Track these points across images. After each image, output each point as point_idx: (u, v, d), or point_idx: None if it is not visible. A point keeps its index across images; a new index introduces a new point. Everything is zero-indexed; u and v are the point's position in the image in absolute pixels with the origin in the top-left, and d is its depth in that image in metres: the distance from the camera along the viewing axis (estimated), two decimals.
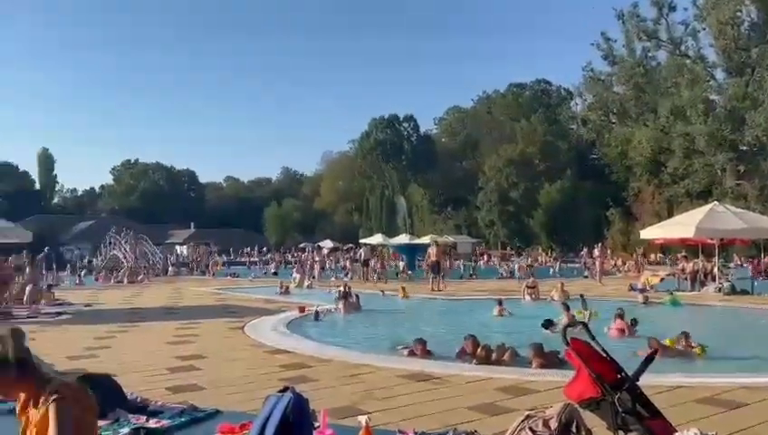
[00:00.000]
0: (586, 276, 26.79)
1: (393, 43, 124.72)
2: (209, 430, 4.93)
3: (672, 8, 41.25)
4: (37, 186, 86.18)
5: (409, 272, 28.77)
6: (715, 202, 22.23)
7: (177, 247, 53.33)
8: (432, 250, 22.26)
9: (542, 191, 51.69)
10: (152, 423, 5.10)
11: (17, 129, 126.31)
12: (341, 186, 75.30)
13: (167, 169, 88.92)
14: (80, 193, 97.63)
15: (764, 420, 5.16)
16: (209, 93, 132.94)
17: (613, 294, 18.32)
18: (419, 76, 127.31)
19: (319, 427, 4.47)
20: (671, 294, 16.90)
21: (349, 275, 27.68)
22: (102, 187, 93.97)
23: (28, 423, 2.63)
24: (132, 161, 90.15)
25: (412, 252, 33.52)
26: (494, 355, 8.22)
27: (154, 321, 13.03)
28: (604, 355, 3.82)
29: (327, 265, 33.68)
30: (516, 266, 26.96)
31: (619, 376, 3.74)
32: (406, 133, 69.92)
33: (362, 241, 45.01)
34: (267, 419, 3.71)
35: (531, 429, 3.77)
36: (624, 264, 32.63)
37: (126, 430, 4.90)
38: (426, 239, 35.09)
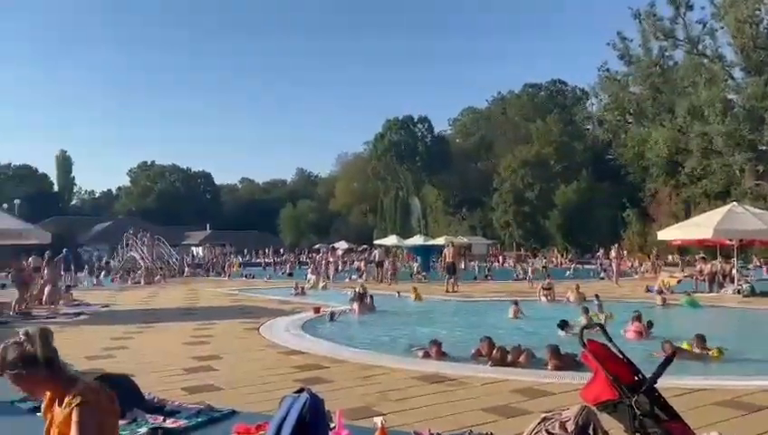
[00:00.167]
0: (602, 278, 26.60)
1: (407, 43, 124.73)
2: (226, 431, 4.97)
3: (689, 7, 40.79)
4: (56, 188, 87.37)
5: (424, 273, 28.72)
6: (734, 203, 21.94)
7: (193, 249, 53.78)
8: (447, 251, 22.23)
9: (558, 192, 51.40)
10: (169, 423, 5.14)
11: (36, 131, 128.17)
12: (356, 187, 75.43)
13: (183, 171, 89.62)
14: (97, 195, 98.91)
15: None
16: (224, 95, 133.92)
17: (630, 296, 18.17)
18: (433, 77, 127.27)
19: (334, 427, 4.48)
20: (689, 295, 16.71)
21: (363, 277, 27.71)
22: (119, 188, 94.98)
23: (52, 422, 2.67)
24: (149, 163, 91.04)
25: (426, 253, 33.49)
26: (509, 357, 8.18)
27: (171, 322, 13.13)
28: (621, 357, 3.79)
29: (341, 267, 33.73)
30: (529, 269, 26.78)
31: (636, 378, 3.71)
32: (420, 134, 69.86)
33: (377, 242, 45.10)
34: (283, 419, 3.73)
35: (547, 431, 3.75)
36: (641, 265, 32.33)
37: (144, 429, 4.96)
38: (440, 240, 35.07)
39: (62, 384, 2.64)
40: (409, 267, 32.60)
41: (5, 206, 43.11)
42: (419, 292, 18.26)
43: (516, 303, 14.15)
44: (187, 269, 35.97)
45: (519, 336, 10.03)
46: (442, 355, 8.71)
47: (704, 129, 37.48)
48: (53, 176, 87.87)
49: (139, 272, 30.67)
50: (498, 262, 40.63)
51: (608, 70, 45.90)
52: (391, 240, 42.75)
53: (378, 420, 4.67)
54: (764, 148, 37.51)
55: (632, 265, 32.76)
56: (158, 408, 5.54)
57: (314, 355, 8.61)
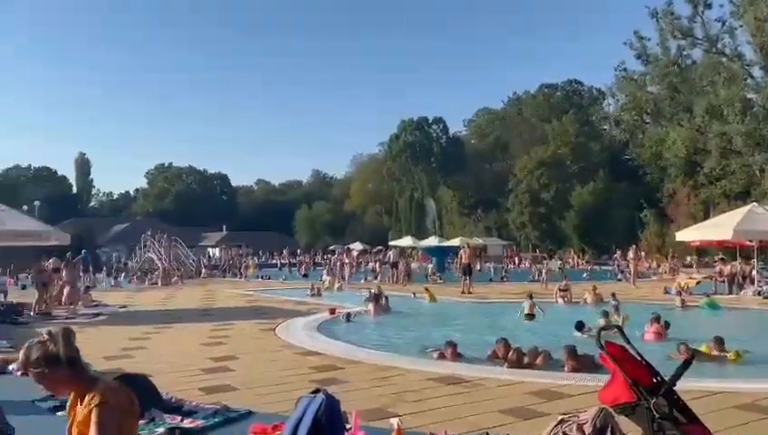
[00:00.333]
0: (620, 279, 26.37)
1: (422, 43, 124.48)
2: (242, 431, 5.00)
3: (708, 5, 40.28)
4: (74, 189, 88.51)
5: (439, 274, 28.66)
6: (754, 203, 21.64)
7: (210, 250, 54.15)
8: (463, 252, 22.18)
9: (575, 193, 51.04)
10: (187, 423, 5.19)
11: (56, 134, 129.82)
12: (371, 188, 75.50)
13: (199, 173, 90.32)
14: (115, 196, 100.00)
15: None
16: (241, 97, 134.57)
17: (648, 298, 18.00)
18: (448, 78, 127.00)
19: (350, 428, 4.49)
20: (708, 297, 16.53)
21: (378, 278, 27.72)
22: (137, 190, 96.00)
23: (74, 421, 2.71)
24: (166, 165, 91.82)
25: (442, 254, 33.42)
26: (526, 359, 8.14)
27: (188, 322, 13.23)
28: (639, 359, 3.76)
29: (356, 268, 33.75)
30: (543, 270, 26.60)
31: (655, 381, 3.68)
32: (435, 135, 69.74)
33: (391, 243, 45.08)
34: (299, 420, 3.75)
35: (564, 433, 3.73)
36: (659, 266, 32.02)
37: (161, 429, 5.00)
38: (455, 241, 34.99)
39: (84, 384, 2.69)
40: (425, 268, 32.54)
41: (26, 207, 43.74)
42: (433, 292, 18.25)
43: (531, 296, 14.08)
44: (203, 270, 36.22)
45: (536, 338, 9.98)
46: (457, 356, 8.69)
47: (723, 128, 37.02)
48: (72, 178, 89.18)
49: (157, 273, 30.94)
50: (514, 263, 40.43)
51: (625, 69, 45.45)
52: (406, 241, 42.72)
53: (394, 422, 4.67)
54: None
55: (650, 267, 32.45)
56: (176, 408, 5.59)
57: (330, 356, 8.64)
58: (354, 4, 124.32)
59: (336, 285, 23.56)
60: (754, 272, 20.41)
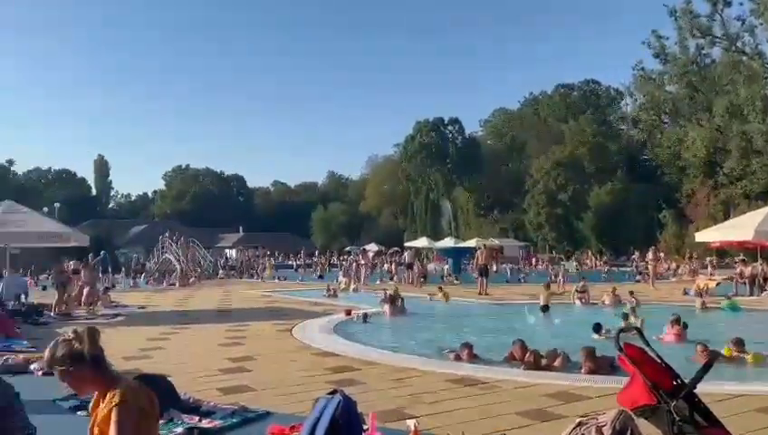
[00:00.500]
0: (638, 281, 26.11)
1: (437, 44, 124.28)
2: (260, 431, 5.02)
3: (727, 3, 39.84)
4: (94, 191, 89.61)
5: (455, 275, 28.59)
6: None
7: (227, 251, 54.47)
8: (480, 254, 22.11)
9: (592, 193, 50.67)
10: (205, 423, 5.22)
11: (75, 137, 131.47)
12: (386, 189, 75.51)
13: (216, 175, 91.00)
14: (133, 198, 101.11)
15: None
16: (258, 99, 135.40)
17: (667, 299, 17.81)
18: (464, 78, 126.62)
19: (368, 430, 4.49)
20: (729, 299, 16.30)
21: (394, 279, 27.73)
22: (155, 192, 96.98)
23: (95, 420, 2.74)
24: (183, 167, 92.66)
25: (457, 255, 33.32)
26: (544, 361, 8.08)
27: (205, 323, 13.32)
28: (659, 361, 3.72)
29: (371, 269, 33.75)
30: (560, 271, 26.35)
31: (675, 383, 3.63)
32: (451, 136, 69.58)
33: (407, 244, 45.06)
34: (317, 421, 3.76)
35: None
36: (678, 268, 31.66)
37: (180, 429, 5.04)
38: (471, 243, 34.88)
39: (106, 382, 2.73)
40: (441, 269, 32.47)
41: (46, 209, 44.32)
42: (447, 292, 18.23)
43: (549, 285, 14.01)
44: (221, 271, 36.48)
45: (553, 339, 9.92)
46: (474, 358, 8.66)
47: (743, 127, 36.60)
48: (91, 180, 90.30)
49: (175, 274, 31.19)
50: (531, 264, 40.15)
51: (643, 69, 45.14)
52: (422, 242, 42.69)
53: (411, 423, 4.67)
54: None
55: (668, 268, 32.10)
56: (194, 408, 5.63)
57: (346, 357, 8.65)
58: (369, 3, 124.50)
59: (352, 287, 23.60)
60: None
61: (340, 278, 25.66)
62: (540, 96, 69.87)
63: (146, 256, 43.89)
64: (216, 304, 18.42)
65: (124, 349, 9.35)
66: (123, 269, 34.84)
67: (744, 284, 20.25)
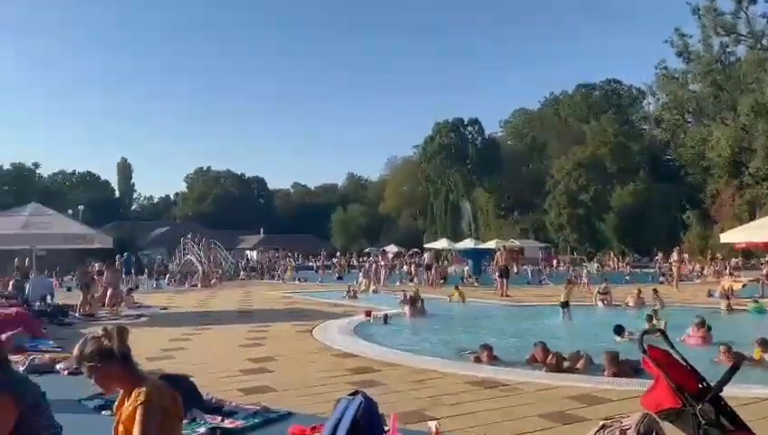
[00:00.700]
0: (661, 282, 25.77)
1: (457, 44, 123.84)
2: (282, 432, 5.04)
3: (752, 1, 39.22)
4: (117, 194, 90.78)
5: (475, 276, 28.47)
6: None
7: (248, 252, 54.87)
8: (500, 255, 22.00)
9: (614, 194, 50.15)
10: (227, 423, 5.26)
11: (99, 140, 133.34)
12: (405, 190, 75.46)
13: (237, 177, 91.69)
14: (156, 200, 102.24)
15: None
16: (277, 101, 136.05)
17: (691, 301, 17.56)
18: (483, 79, 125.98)
19: (389, 431, 4.49)
20: (756, 302, 16.01)
21: (415, 280, 27.71)
22: (177, 194, 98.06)
23: (120, 419, 2.78)
24: (205, 169, 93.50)
25: (477, 257, 33.17)
26: (566, 363, 8.01)
27: (227, 324, 13.42)
28: (684, 364, 3.67)
29: (390, 271, 33.75)
30: (584, 272, 26.06)
31: (700, 386, 3.58)
32: (470, 137, 69.34)
33: (426, 246, 44.99)
34: (338, 422, 3.76)
35: None
36: (702, 269, 31.21)
37: (203, 429, 5.08)
38: (491, 244, 34.71)
39: (132, 381, 2.78)
40: (461, 271, 32.36)
41: (70, 211, 44.98)
42: (462, 292, 18.23)
43: (570, 280, 13.92)
44: (242, 272, 36.78)
45: (574, 341, 9.84)
46: (493, 360, 8.62)
47: None
48: (115, 182, 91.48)
49: (197, 275, 31.49)
50: (551, 266, 39.80)
51: (665, 68, 44.58)
52: (441, 244, 42.58)
53: (432, 425, 4.65)
54: None
55: (692, 269, 31.65)
56: (217, 408, 5.68)
57: (367, 358, 8.65)
58: (388, 3, 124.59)
59: (371, 288, 23.65)
60: None
61: (360, 279, 25.71)
62: (561, 96, 69.35)
63: (168, 257, 44.38)
64: (237, 305, 18.56)
65: (147, 349, 9.45)
66: (146, 271, 35.23)
67: None
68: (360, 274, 28.19)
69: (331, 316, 14.04)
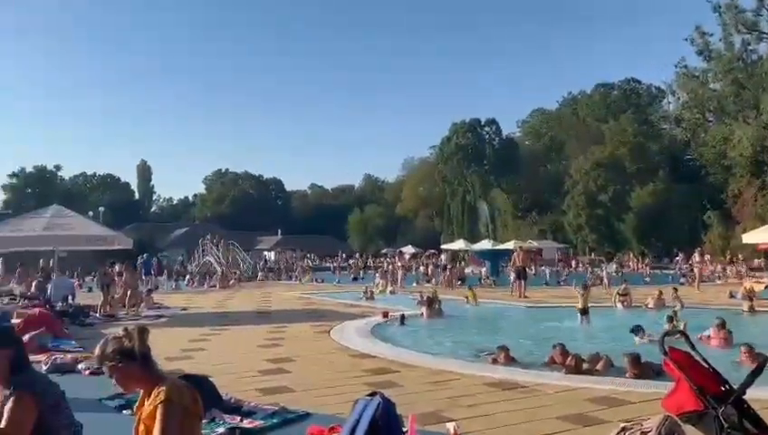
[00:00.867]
0: (682, 283, 25.47)
1: (474, 45, 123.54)
2: (300, 432, 5.06)
3: None
4: (136, 196, 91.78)
5: (493, 278, 28.36)
6: None
7: (266, 253, 55.19)
8: (516, 256, 21.88)
9: (633, 194, 49.62)
10: (246, 423, 5.30)
11: (119, 142, 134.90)
12: (422, 191, 75.35)
13: (255, 178, 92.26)
14: (175, 202, 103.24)
15: None
16: (294, 103, 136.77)
17: (712, 302, 17.33)
18: (501, 79, 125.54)
19: (407, 432, 4.48)
20: None
21: (432, 281, 27.67)
22: (195, 195, 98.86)
23: (140, 418, 2.81)
24: (223, 171, 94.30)
25: (495, 258, 33.02)
26: (585, 365, 7.94)
27: (245, 324, 13.50)
28: (706, 366, 3.63)
29: (407, 271, 33.74)
30: (605, 273, 25.76)
31: (723, 388, 3.53)
32: (488, 137, 69.05)
33: (444, 247, 44.92)
34: (357, 422, 3.77)
35: None
36: (724, 270, 30.76)
37: (222, 429, 5.12)
38: (509, 245, 34.54)
39: (152, 380, 2.81)
40: (479, 272, 32.23)
41: (91, 213, 45.57)
42: (474, 293, 18.20)
43: (586, 287, 13.85)
44: (260, 273, 37.00)
45: (594, 343, 9.75)
46: (510, 361, 8.58)
47: None
48: (134, 184, 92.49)
49: (215, 276, 31.73)
50: (570, 266, 39.45)
51: (686, 66, 44.07)
52: (459, 245, 42.47)
53: (450, 426, 4.64)
54: None
55: (714, 270, 31.22)
56: (236, 408, 5.72)
57: (384, 359, 8.66)
58: (406, 4, 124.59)
59: (388, 289, 23.65)
60: None
61: (378, 280, 25.74)
62: (579, 96, 68.83)
63: (187, 258, 44.78)
64: (255, 305, 18.66)
65: (167, 350, 9.52)
66: (165, 271, 35.57)
67: None
68: (378, 275, 28.22)
69: (348, 317, 14.06)
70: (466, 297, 18.57)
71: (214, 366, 8.05)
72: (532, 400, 6.28)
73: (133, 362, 2.80)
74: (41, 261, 20.93)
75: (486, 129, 69.17)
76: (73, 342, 10.48)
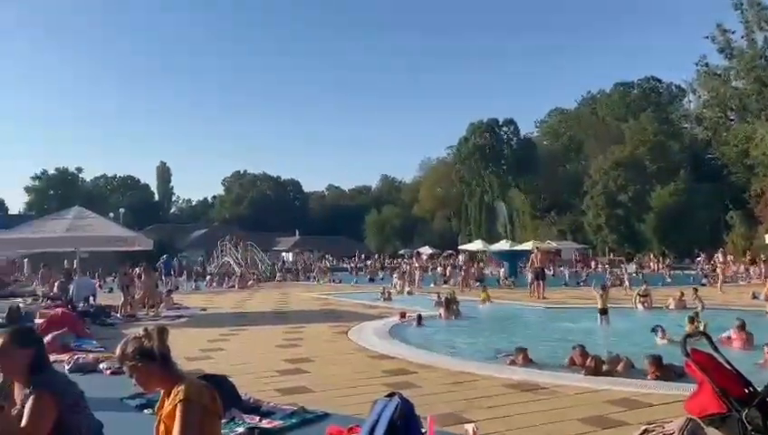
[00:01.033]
0: (704, 284, 25.13)
1: (492, 44, 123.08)
2: (319, 432, 5.07)
3: None
4: (156, 197, 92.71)
5: (512, 279, 28.22)
6: None
7: (283, 254, 55.47)
8: (534, 256, 21.74)
9: (654, 194, 49.09)
10: (265, 423, 5.32)
11: (139, 144, 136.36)
12: (439, 192, 75.22)
13: (273, 179, 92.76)
14: (194, 203, 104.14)
15: None
16: (312, 104, 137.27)
17: (734, 303, 17.07)
18: (518, 79, 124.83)
19: (425, 433, 4.47)
20: None
21: (451, 282, 27.60)
22: (214, 197, 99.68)
23: (161, 418, 2.83)
24: (241, 172, 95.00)
25: (513, 258, 32.85)
26: (605, 366, 7.86)
27: (263, 325, 13.57)
28: (729, 368, 3.58)
29: (424, 272, 33.70)
30: (626, 273, 25.46)
31: (746, 391, 3.49)
32: (506, 137, 68.73)
33: (461, 247, 44.77)
34: (375, 423, 3.77)
35: None
36: (747, 271, 30.27)
37: (241, 429, 5.15)
38: (527, 245, 34.33)
39: (172, 380, 2.83)
40: (497, 273, 32.08)
41: (111, 215, 46.13)
42: (488, 293, 18.17)
43: (605, 287, 13.78)
44: (278, 274, 37.20)
45: (614, 345, 9.66)
46: (528, 362, 8.52)
47: None
48: (154, 186, 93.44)
49: (234, 276, 31.96)
50: (588, 267, 39.11)
51: (707, 64, 43.51)
52: (476, 245, 42.31)
53: (469, 428, 4.63)
54: None
55: (737, 271, 30.74)
56: (255, 408, 5.74)
57: (402, 360, 8.65)
58: (424, 4, 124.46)
59: (406, 289, 23.65)
60: None
61: (395, 281, 25.74)
62: (598, 95, 68.28)
63: (206, 259, 45.16)
64: (273, 306, 18.76)
65: (186, 350, 9.61)
66: (185, 272, 35.92)
67: None
68: (395, 275, 28.22)
69: (366, 318, 14.08)
70: (482, 298, 18.51)
71: (233, 366, 8.11)
72: (552, 401, 6.23)
73: (153, 362, 2.82)
74: (65, 262, 21.21)
75: (504, 129, 68.83)
76: (95, 342, 10.60)
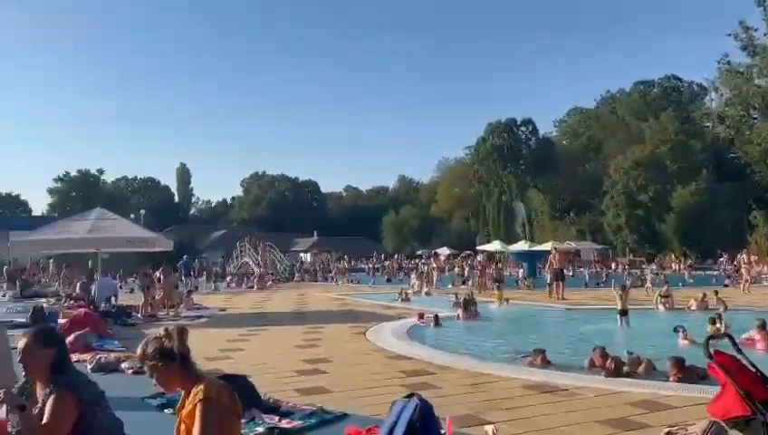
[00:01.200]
0: (726, 285, 24.76)
1: (509, 44, 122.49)
2: (338, 433, 5.08)
3: None
4: (176, 198, 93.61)
5: (530, 279, 28.05)
6: None
7: (302, 255, 55.69)
8: (553, 257, 21.58)
9: (675, 194, 48.48)
10: (284, 423, 5.34)
11: (159, 146, 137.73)
12: (457, 192, 75.02)
13: (291, 181, 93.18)
14: (213, 204, 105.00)
15: None
16: (329, 106, 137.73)
17: (757, 304, 16.80)
18: (537, 78, 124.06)
19: (444, 434, 4.46)
20: None
21: (469, 283, 27.51)
22: (233, 198, 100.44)
23: (181, 417, 2.86)
24: (260, 174, 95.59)
25: (532, 259, 32.66)
26: (626, 368, 7.77)
27: (282, 325, 13.64)
28: (753, 370, 3.53)
29: (441, 273, 33.64)
30: (648, 274, 25.10)
31: None
32: (524, 137, 68.34)
33: (479, 248, 44.61)
34: (394, 424, 3.77)
35: None
36: None
37: (261, 429, 5.18)
38: (546, 246, 34.12)
39: (191, 380, 2.86)
40: (516, 274, 31.93)
41: (132, 216, 46.67)
42: (501, 293, 18.11)
43: (624, 287, 13.62)
44: (296, 275, 37.37)
45: (634, 346, 9.55)
46: (547, 364, 8.46)
47: None
48: (174, 187, 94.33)
49: (253, 277, 32.17)
50: (607, 267, 38.73)
51: (729, 62, 42.90)
52: (495, 246, 42.14)
53: (489, 429, 4.61)
54: None
55: (761, 271, 30.24)
56: (274, 408, 5.77)
57: (421, 361, 8.64)
58: (439, 5, 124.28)
59: (424, 290, 23.62)
60: None
61: (413, 281, 25.71)
62: (618, 94, 67.62)
63: (226, 260, 45.49)
64: (292, 306, 18.84)
65: (206, 350, 9.69)
66: (205, 273, 36.22)
67: None
68: (413, 276, 28.19)
69: (384, 318, 14.08)
70: (500, 301, 18.41)
71: (252, 366, 8.15)
72: (572, 403, 6.18)
73: (173, 362, 2.85)
74: (89, 262, 21.49)
75: (522, 128, 68.44)
76: (116, 341, 10.72)
